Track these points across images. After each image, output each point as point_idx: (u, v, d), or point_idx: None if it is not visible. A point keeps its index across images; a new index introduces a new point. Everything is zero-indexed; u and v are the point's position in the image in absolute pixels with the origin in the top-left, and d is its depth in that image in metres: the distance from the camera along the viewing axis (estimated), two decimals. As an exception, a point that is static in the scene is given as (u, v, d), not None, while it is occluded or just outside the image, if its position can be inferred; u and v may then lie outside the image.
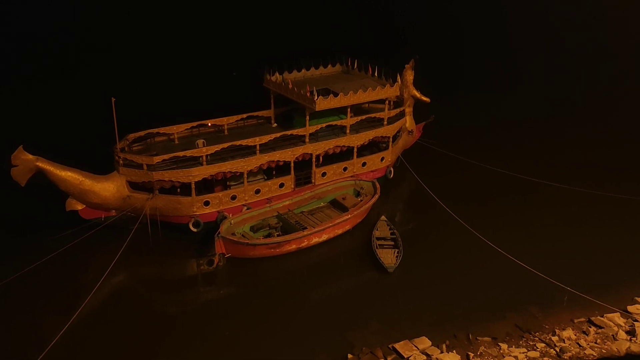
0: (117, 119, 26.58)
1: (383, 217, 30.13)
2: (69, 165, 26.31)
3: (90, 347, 21.50)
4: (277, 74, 32.40)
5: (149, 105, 42.97)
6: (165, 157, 27.09)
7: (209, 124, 30.94)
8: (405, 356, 21.06)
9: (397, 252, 27.28)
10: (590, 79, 57.52)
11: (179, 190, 27.72)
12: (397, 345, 21.54)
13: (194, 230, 28.16)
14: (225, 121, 31.15)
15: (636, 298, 24.91)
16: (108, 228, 27.24)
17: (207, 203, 28.02)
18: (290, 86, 30.56)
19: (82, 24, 73.94)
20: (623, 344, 21.89)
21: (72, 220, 27.10)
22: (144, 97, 45.44)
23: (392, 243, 28.11)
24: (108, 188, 26.81)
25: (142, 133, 29.27)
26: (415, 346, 21.52)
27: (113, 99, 26.20)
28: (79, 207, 27.02)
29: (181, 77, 52.99)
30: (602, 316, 23.64)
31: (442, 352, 21.34)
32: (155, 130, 29.56)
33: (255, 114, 32.30)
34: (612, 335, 22.55)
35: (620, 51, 68.42)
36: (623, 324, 23.28)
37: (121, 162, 27.10)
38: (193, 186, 27.34)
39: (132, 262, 26.14)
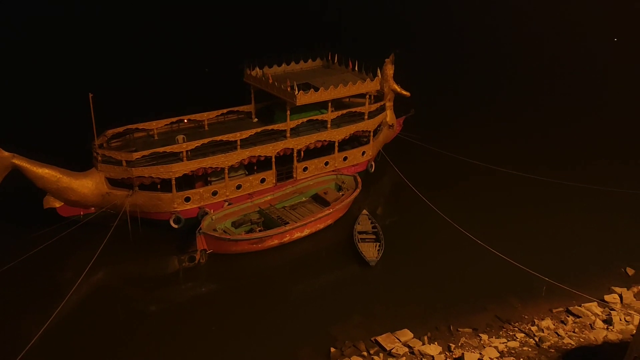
0: (95, 114, 26.20)
1: (364, 211, 30.25)
2: (47, 162, 25.87)
3: (70, 346, 21.24)
4: (257, 69, 32.22)
5: (127, 100, 42.40)
6: (145, 153, 26.82)
7: (185, 120, 30.69)
8: (388, 349, 21.22)
9: (379, 246, 27.42)
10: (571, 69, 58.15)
11: (159, 186, 27.48)
12: (379, 338, 21.70)
13: (175, 226, 27.95)
14: (206, 116, 30.89)
15: (613, 287, 25.43)
16: (87, 225, 26.89)
17: (187, 199, 27.83)
18: (270, 81, 30.43)
19: (60, 19, 72.66)
20: (600, 333, 22.34)
21: (50, 218, 26.72)
22: (123, 92, 44.81)
23: (374, 237, 28.24)
24: (86, 185, 26.46)
25: (121, 129, 28.90)
26: (398, 339, 21.70)
27: (90, 95, 25.82)
28: (57, 204, 26.62)
29: (161, 72, 52.34)
30: (580, 306, 24.09)
31: (424, 343, 21.57)
32: (134, 126, 29.17)
33: (235, 109, 32.07)
34: (590, 325, 22.99)
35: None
36: (600, 313, 23.77)
37: (100, 158, 26.76)
38: (173, 182, 27.11)
39: (112, 259, 25.83)
